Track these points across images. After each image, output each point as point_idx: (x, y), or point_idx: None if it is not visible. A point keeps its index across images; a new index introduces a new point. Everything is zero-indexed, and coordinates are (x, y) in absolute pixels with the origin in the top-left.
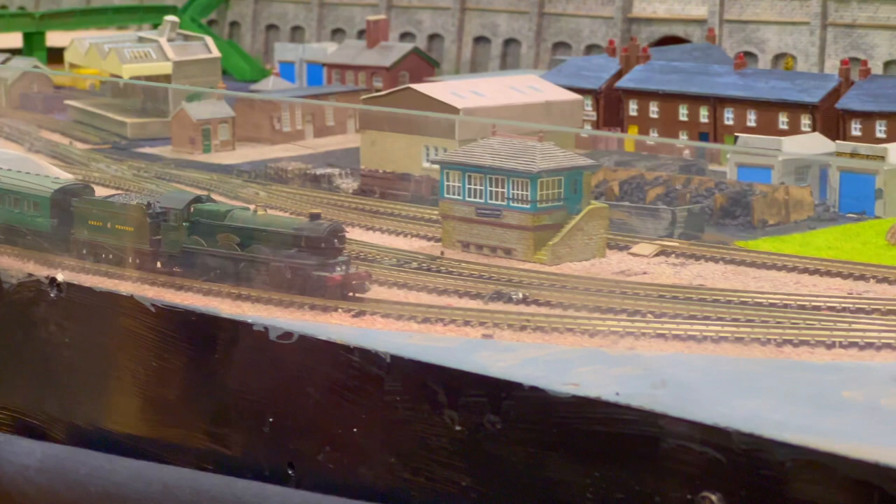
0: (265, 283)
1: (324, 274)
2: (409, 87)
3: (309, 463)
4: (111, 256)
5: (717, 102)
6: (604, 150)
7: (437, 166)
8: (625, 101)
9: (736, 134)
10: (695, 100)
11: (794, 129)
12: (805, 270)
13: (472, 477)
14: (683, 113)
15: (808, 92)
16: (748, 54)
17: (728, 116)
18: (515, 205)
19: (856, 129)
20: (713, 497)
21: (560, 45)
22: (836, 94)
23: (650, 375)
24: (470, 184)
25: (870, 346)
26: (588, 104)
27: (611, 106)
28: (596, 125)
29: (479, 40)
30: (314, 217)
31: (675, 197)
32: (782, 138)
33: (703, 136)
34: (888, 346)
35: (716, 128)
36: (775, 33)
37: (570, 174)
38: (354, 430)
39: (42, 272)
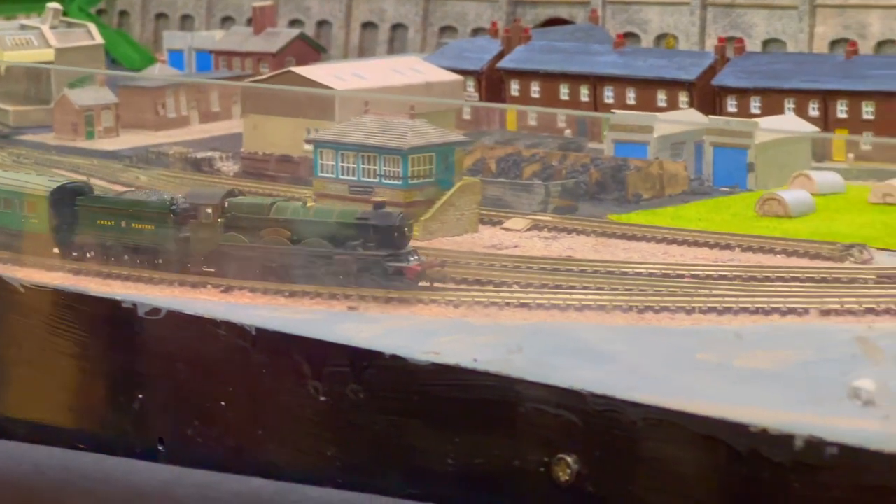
0: (324, 278)
1: (401, 264)
2: (290, 71)
3: (178, 438)
4: (126, 258)
5: (596, 81)
6: (486, 129)
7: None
8: (506, 82)
9: (612, 111)
10: (575, 79)
11: (673, 106)
12: (674, 241)
13: (337, 446)
14: (564, 92)
15: (685, 69)
16: (631, 35)
17: (608, 95)
18: (388, 181)
19: (731, 105)
20: (569, 459)
21: (447, 29)
22: (712, 71)
23: (510, 343)
24: (343, 162)
25: (728, 310)
26: (470, 85)
27: (493, 86)
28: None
29: (367, 26)
30: (379, 206)
31: (551, 173)
32: (657, 114)
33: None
34: (745, 310)
35: (596, 106)
36: (657, 14)
37: (442, 150)
38: (222, 403)
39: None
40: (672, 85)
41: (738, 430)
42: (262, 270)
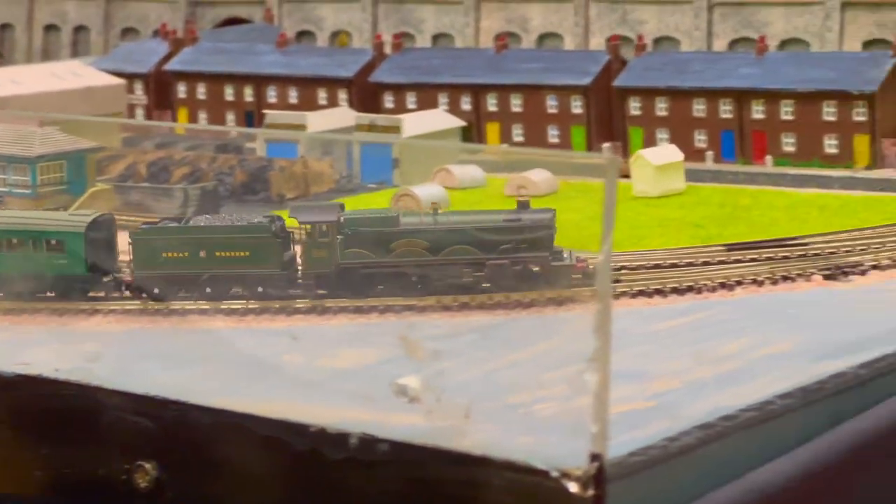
0: (470, 287)
1: (567, 263)
2: None
3: None
4: (209, 290)
5: (260, 81)
6: (156, 132)
7: None
8: (172, 84)
9: (263, 111)
10: (240, 79)
11: (333, 104)
12: None
13: None
14: (230, 93)
15: (344, 67)
16: (307, 33)
17: (271, 94)
18: (18, 191)
19: (389, 101)
20: (147, 465)
21: (129, 31)
22: (371, 68)
23: (99, 352)
24: None
25: (313, 311)
26: (139, 88)
27: (161, 88)
28: (147, 108)
29: (50, 28)
30: (523, 205)
31: (199, 176)
32: (307, 113)
33: (249, 115)
34: (298, 311)
35: (260, 106)
36: (332, 11)
37: (73, 158)
38: None
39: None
40: (331, 83)
41: (299, 430)
42: (386, 288)
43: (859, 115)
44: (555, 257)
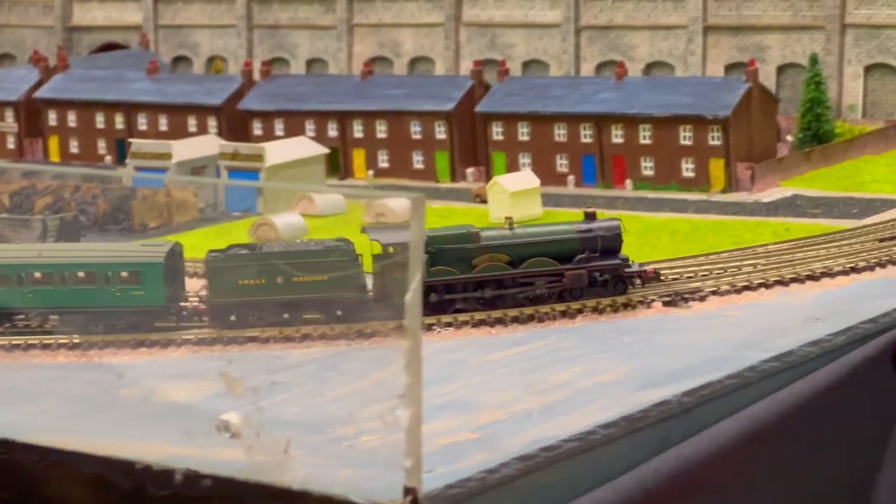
0: (552, 295)
1: (637, 270)
2: None
3: None
4: (286, 316)
5: (130, 109)
6: (30, 158)
7: None
8: (44, 112)
9: (129, 140)
10: (110, 107)
11: (203, 131)
12: None
13: None
14: (100, 120)
15: (213, 94)
16: (183, 58)
17: (142, 122)
18: None
19: (258, 128)
20: None
21: (5, 57)
22: (239, 95)
23: None
24: None
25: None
26: (10, 115)
27: (32, 116)
28: (18, 136)
29: None
30: (590, 216)
31: (62, 206)
32: (172, 142)
33: (120, 143)
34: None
35: (131, 133)
36: (207, 37)
37: None
38: None
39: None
40: (201, 110)
41: (125, 467)
42: (468, 303)
43: (714, 139)
44: (628, 265)
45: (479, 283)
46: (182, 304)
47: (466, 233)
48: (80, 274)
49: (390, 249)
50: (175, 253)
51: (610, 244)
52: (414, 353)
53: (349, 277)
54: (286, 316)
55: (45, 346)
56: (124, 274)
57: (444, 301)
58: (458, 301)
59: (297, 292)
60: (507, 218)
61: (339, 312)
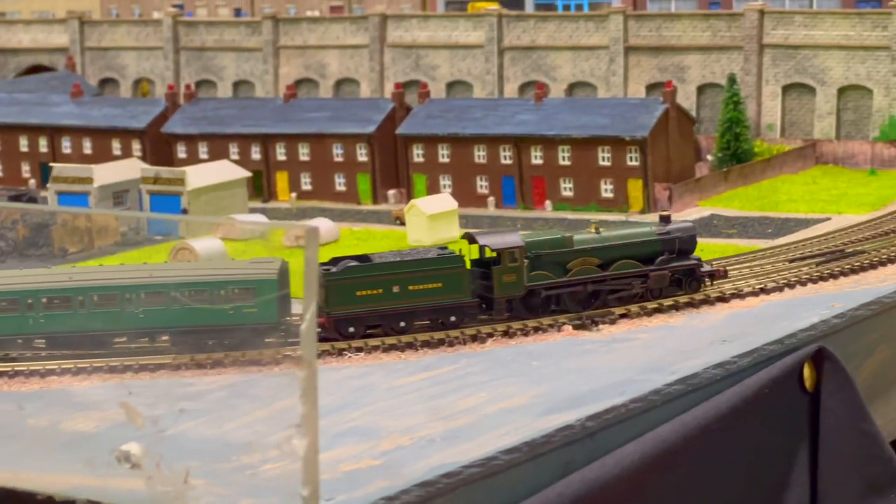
0: (635, 295)
1: (711, 268)
2: None
3: None
4: (403, 325)
5: (54, 132)
6: None
7: None
8: None
9: (51, 164)
10: (34, 130)
11: (127, 154)
12: None
13: None
14: (24, 144)
15: (136, 118)
16: (111, 80)
17: (66, 145)
18: None
19: (182, 151)
20: None
21: None
22: (164, 118)
23: None
24: None
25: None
26: None
27: None
28: None
29: None
30: (665, 219)
31: None
32: (93, 166)
33: (44, 166)
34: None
35: (55, 157)
36: (134, 59)
37: None
38: None
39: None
40: (125, 133)
41: (27, 498)
42: (575, 302)
43: (632, 160)
44: (700, 263)
45: (576, 286)
46: (289, 319)
47: (561, 238)
48: (193, 293)
49: (505, 254)
50: (283, 270)
51: (686, 245)
52: (310, 382)
53: (461, 283)
54: (402, 324)
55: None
56: (237, 291)
57: (543, 301)
58: (553, 302)
59: (413, 300)
60: (594, 223)
61: (452, 318)
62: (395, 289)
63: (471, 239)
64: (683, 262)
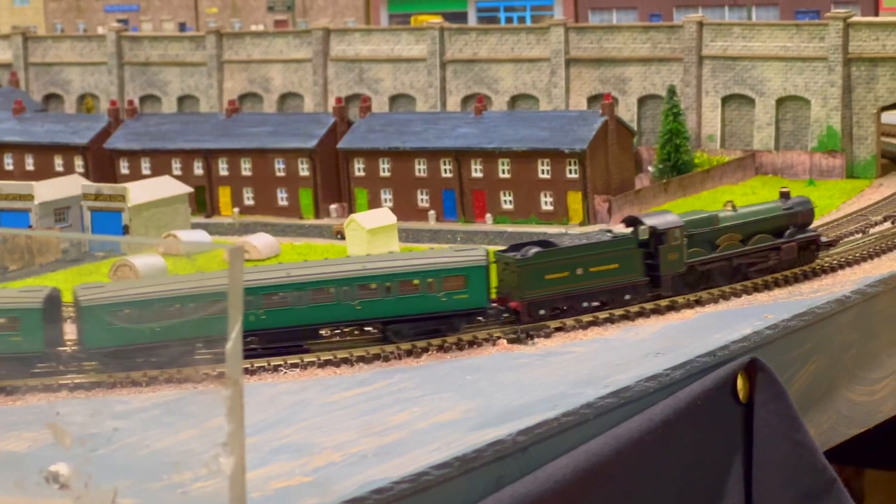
0: (769, 268)
1: (828, 239)
2: None
3: None
4: (584, 305)
5: None
6: None
7: None
8: None
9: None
10: None
11: (70, 171)
12: None
13: None
14: None
15: (79, 134)
16: (55, 96)
17: (8, 162)
18: None
19: (124, 167)
20: None
21: None
22: (106, 134)
23: None
24: None
25: None
26: None
27: None
28: None
29: None
30: (785, 195)
31: None
32: (34, 183)
33: None
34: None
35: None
36: (78, 74)
37: None
38: None
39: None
40: (67, 150)
41: None
42: (723, 276)
43: (572, 172)
44: (820, 234)
45: (724, 260)
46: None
47: (711, 216)
48: (410, 282)
49: (672, 233)
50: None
51: (806, 219)
52: (236, 400)
53: (635, 263)
54: (585, 305)
55: None
56: (449, 278)
57: (699, 277)
58: (713, 275)
59: (594, 281)
60: (728, 201)
61: (626, 297)
62: (579, 271)
63: (632, 221)
64: (808, 234)
